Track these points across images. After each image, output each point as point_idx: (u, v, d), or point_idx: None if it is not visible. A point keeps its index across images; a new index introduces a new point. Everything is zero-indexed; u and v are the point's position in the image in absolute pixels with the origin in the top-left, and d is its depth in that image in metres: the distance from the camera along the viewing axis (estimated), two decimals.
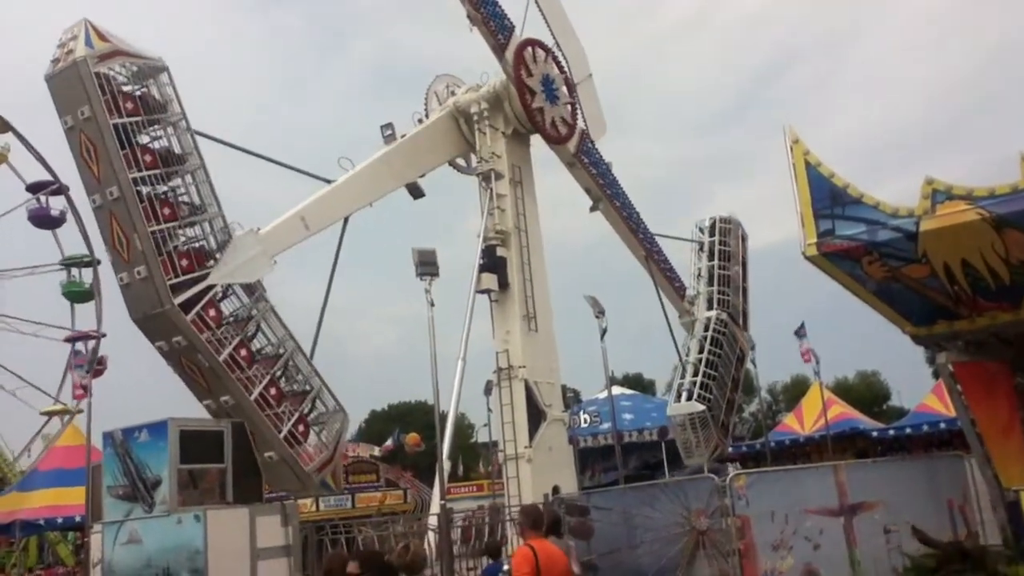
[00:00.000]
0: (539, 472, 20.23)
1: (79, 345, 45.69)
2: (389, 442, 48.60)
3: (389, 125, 20.80)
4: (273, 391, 15.82)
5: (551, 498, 15.18)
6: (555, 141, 23.45)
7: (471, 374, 19.93)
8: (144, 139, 15.53)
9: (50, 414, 47.56)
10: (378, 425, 74.67)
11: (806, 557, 11.80)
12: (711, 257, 28.26)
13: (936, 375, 60.41)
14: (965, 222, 9.85)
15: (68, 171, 49.22)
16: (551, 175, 26.33)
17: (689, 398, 25.02)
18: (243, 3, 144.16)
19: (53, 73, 15.22)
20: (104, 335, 45.61)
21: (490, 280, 21.16)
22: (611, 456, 33.15)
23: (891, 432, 30.81)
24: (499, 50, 21.91)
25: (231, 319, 15.93)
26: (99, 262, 47.76)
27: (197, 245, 15.83)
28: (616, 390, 50.69)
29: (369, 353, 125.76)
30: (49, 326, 47.76)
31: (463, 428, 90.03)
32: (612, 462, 32.59)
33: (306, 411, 16.30)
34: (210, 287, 15.37)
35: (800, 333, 32.21)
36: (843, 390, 55.10)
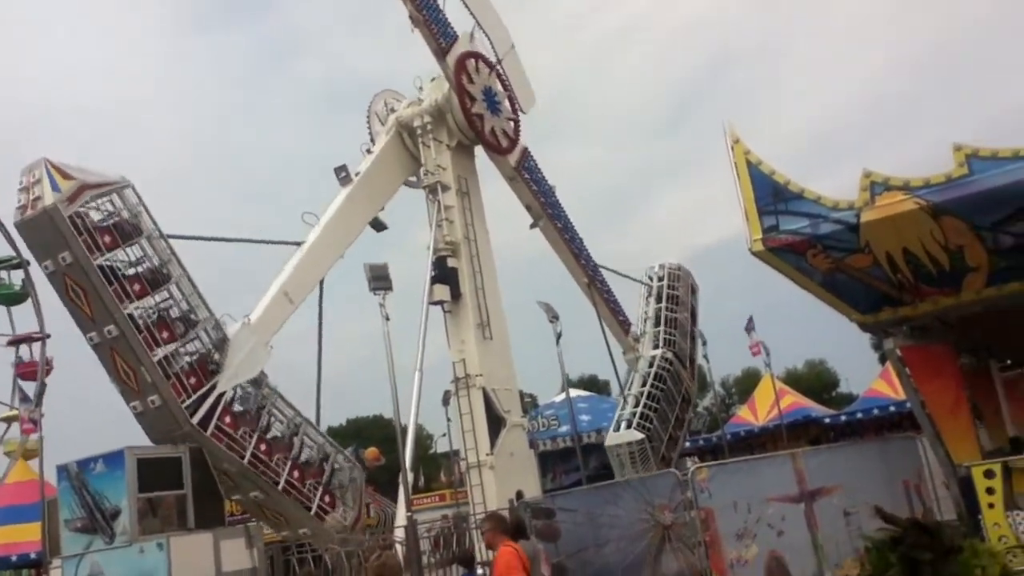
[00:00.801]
0: (502, 478, 20.31)
1: (23, 351, 44.60)
2: (350, 452, 48.05)
3: (343, 167, 20.82)
4: (296, 473, 16.43)
5: (516, 503, 15.23)
6: (496, 150, 23.52)
7: (428, 385, 20.07)
8: (129, 271, 15.64)
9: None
10: (336, 442, 74.01)
11: (770, 544, 12.00)
12: (659, 300, 28.84)
13: (883, 360, 61.76)
14: (904, 212, 10.18)
15: None
16: (495, 185, 26.47)
17: (628, 427, 25.25)
18: (183, 27, 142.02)
19: (24, 220, 15.17)
20: (48, 335, 44.59)
21: (442, 291, 21.21)
22: (571, 458, 33.34)
23: (843, 418, 31.39)
24: (440, 54, 21.95)
25: (245, 417, 16.29)
26: (28, 263, 46.78)
27: (198, 356, 16.05)
28: (573, 393, 51.16)
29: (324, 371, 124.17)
30: None
31: (422, 439, 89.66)
32: (572, 464, 32.77)
33: (327, 480, 17.07)
34: (220, 395, 15.68)
35: (749, 327, 32.71)
36: (793, 380, 56.02)
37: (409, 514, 13.54)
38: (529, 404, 34.61)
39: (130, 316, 14.90)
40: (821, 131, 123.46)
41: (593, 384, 70.61)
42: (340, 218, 20.26)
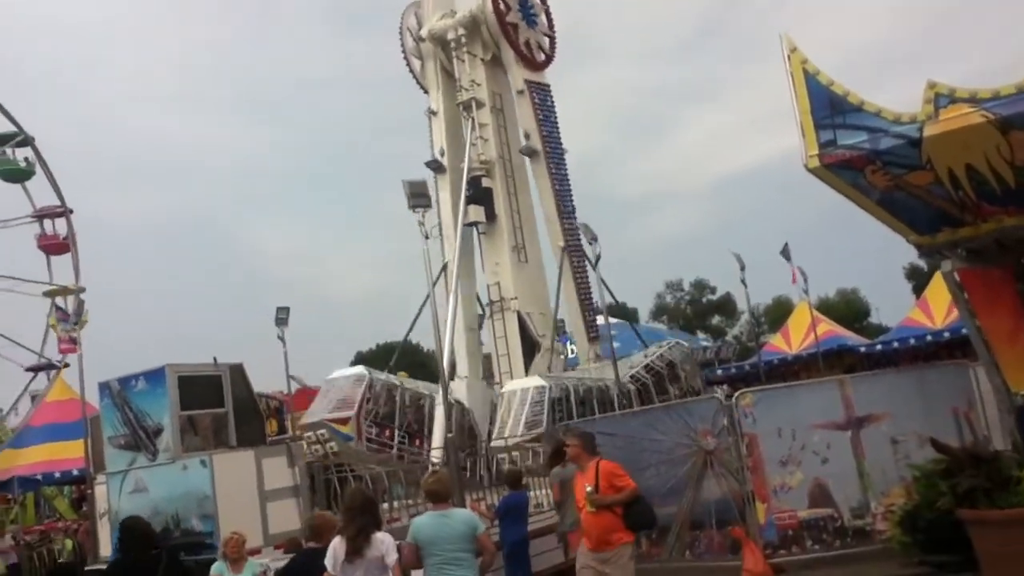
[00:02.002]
0: None
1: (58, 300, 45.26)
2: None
3: (434, 161, 21.04)
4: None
5: (555, 426, 15.19)
6: (528, 62, 22.84)
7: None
8: None
9: (35, 370, 47.17)
10: (368, 367, 74.74)
11: (815, 471, 11.88)
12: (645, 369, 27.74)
13: (917, 291, 61.22)
14: (969, 125, 9.62)
15: (31, 120, 48.34)
16: None
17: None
18: None
19: None
20: (84, 289, 45.07)
21: (477, 212, 20.95)
22: None
23: (878, 347, 31.06)
24: None
25: None
26: (83, 289, 47.14)
27: None
28: (600, 320, 51.08)
29: (348, 294, 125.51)
30: (26, 280, 47.21)
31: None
32: None
33: None
34: None
35: (785, 253, 32.18)
36: (824, 308, 55.48)
37: (449, 435, 13.50)
38: (560, 329, 34.43)
39: None
40: (862, 46, 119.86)
41: (622, 312, 70.65)
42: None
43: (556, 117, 23.46)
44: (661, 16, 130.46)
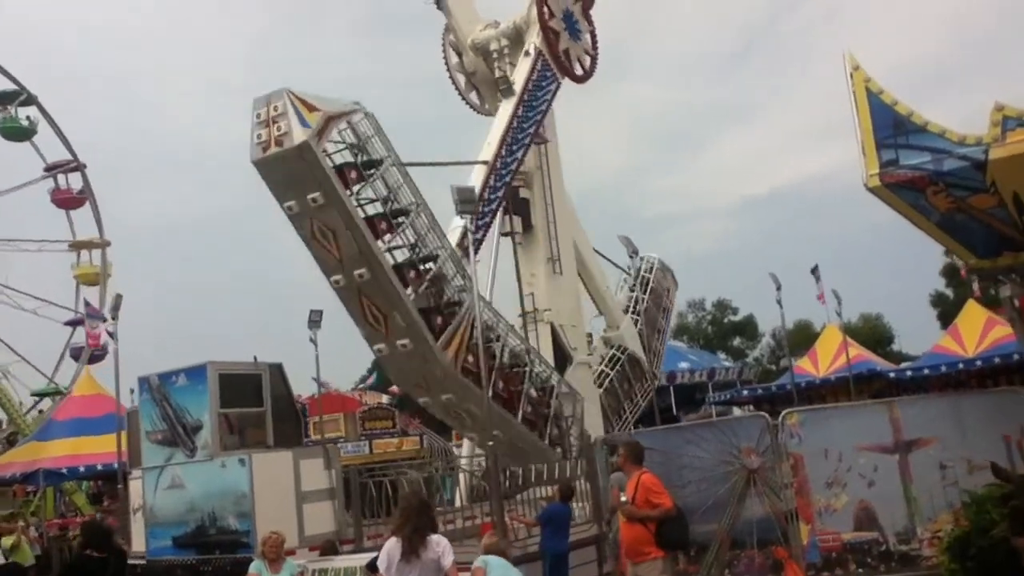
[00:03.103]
0: None
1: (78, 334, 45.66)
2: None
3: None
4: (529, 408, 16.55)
5: (591, 440, 15.07)
6: (570, 76, 22.93)
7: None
8: (369, 207, 15.11)
9: (40, 395, 47.38)
10: (383, 373, 74.79)
11: (860, 494, 11.70)
12: (636, 289, 28.27)
13: (942, 318, 60.67)
14: None
15: (83, 148, 48.66)
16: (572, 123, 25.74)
17: None
18: None
19: (267, 158, 14.02)
20: (109, 243, 45.56)
21: (514, 222, 20.89)
22: None
23: (908, 373, 30.72)
24: None
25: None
26: (108, 243, 47.47)
27: (445, 298, 15.77)
28: None
29: None
30: (52, 304, 47.65)
31: None
32: None
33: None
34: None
35: (816, 274, 31.95)
36: (848, 333, 54.94)
37: (490, 443, 13.40)
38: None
39: (383, 256, 14.62)
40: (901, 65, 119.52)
41: None
42: None
43: (547, 102, 22.17)
44: (697, 38, 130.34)
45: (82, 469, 27.28)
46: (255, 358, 14.22)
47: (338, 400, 38.02)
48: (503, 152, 19.35)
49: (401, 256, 15.34)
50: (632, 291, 28.21)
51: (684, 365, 43.84)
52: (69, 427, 28.31)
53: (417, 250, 15.54)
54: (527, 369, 17.04)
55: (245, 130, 14.12)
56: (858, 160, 10.65)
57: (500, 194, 19.08)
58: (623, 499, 8.58)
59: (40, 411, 46.82)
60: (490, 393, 15.16)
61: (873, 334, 66.51)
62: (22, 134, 47.17)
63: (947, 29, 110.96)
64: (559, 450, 16.92)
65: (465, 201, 13.04)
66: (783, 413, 12.37)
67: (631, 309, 27.51)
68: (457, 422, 17.11)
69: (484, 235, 19.00)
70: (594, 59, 23.56)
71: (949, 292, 62.37)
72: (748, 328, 75.17)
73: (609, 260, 28.08)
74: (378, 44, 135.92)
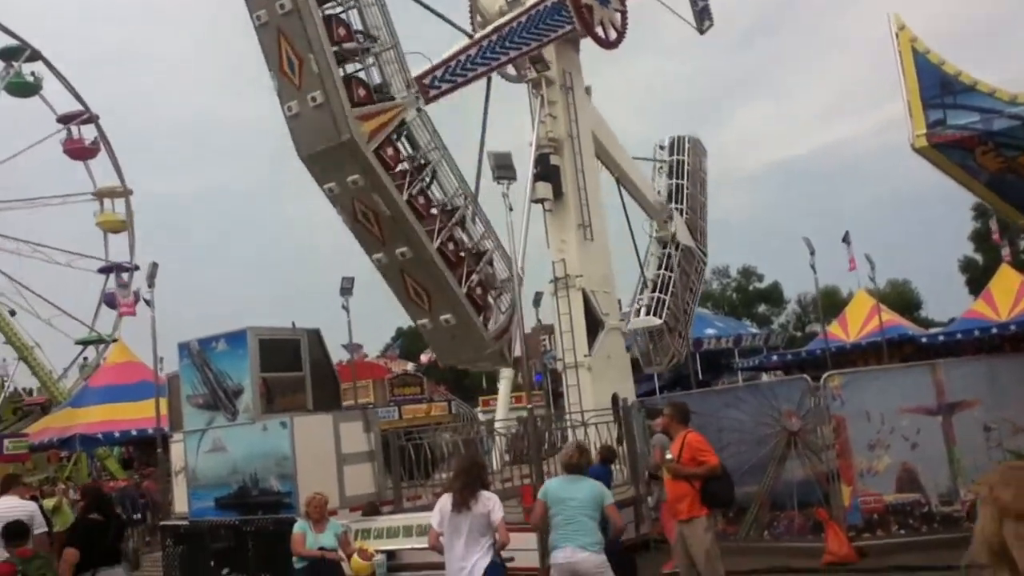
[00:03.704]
0: (599, 380, 20.15)
1: (111, 281, 46.01)
2: (424, 356, 49.16)
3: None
4: (452, 247, 15.75)
5: (622, 403, 15.07)
6: (602, 44, 22.73)
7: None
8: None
9: (85, 343, 47.92)
10: (408, 341, 75.14)
11: (903, 455, 11.67)
12: (671, 176, 28.78)
13: (970, 284, 60.01)
14: None
15: (96, 99, 48.69)
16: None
17: (648, 313, 26.72)
18: None
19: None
20: (138, 267, 45.80)
21: (545, 189, 20.73)
22: (639, 368, 33.23)
23: (940, 338, 30.47)
24: None
25: (407, 161, 15.65)
26: (131, 192, 47.76)
27: (373, 82, 15.39)
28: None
29: None
30: (83, 256, 47.93)
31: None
32: (641, 374, 32.68)
33: (483, 270, 16.61)
34: (398, 122, 15.08)
35: (846, 240, 31.62)
36: (876, 299, 54.59)
37: (529, 406, 13.45)
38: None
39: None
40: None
41: None
42: None
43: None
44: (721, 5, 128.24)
45: (117, 434, 27.73)
46: (293, 324, 14.30)
47: (366, 367, 38.28)
48: (492, 37, 19.38)
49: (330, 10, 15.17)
50: (670, 179, 28.76)
51: (710, 331, 43.58)
52: (103, 394, 28.73)
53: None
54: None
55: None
56: (904, 120, 10.51)
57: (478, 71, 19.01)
58: (668, 457, 8.64)
59: (85, 358, 47.43)
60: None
61: (901, 300, 66.03)
62: (28, 90, 47.21)
63: None
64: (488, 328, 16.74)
65: (501, 166, 12.97)
66: (825, 376, 12.32)
67: (673, 198, 28.31)
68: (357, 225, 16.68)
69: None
70: (623, 13, 23.26)
71: (978, 257, 61.63)
72: (773, 295, 74.76)
73: (643, 159, 28.40)
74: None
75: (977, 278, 57.86)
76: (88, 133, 48.13)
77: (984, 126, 9.99)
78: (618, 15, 23.10)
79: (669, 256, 27.33)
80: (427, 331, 15.99)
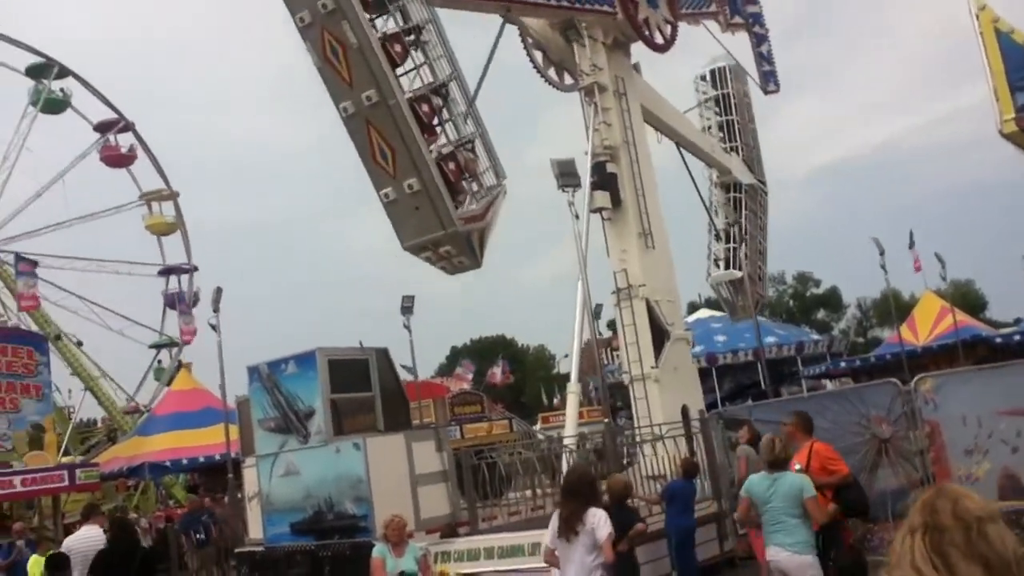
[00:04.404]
0: (667, 392, 19.73)
1: (172, 282, 46.73)
2: (496, 371, 49.32)
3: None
4: (426, 108, 15.21)
5: (706, 414, 14.65)
6: (653, 47, 22.53)
7: (565, 300, 19.54)
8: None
9: (158, 347, 48.60)
10: (458, 361, 75.13)
11: (1004, 460, 11.06)
12: (719, 112, 28.81)
13: None
14: None
15: (130, 106, 49.45)
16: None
17: (728, 266, 27.47)
18: None
19: None
20: (196, 268, 46.38)
21: (603, 198, 20.42)
22: (706, 379, 32.66)
23: (1016, 337, 29.48)
24: None
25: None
26: (178, 193, 48.34)
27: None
28: (705, 313, 50.11)
29: (443, 289, 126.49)
30: (141, 264, 48.69)
31: (544, 359, 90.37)
32: (706, 384, 32.17)
33: (463, 150, 15.84)
34: None
35: (911, 240, 30.84)
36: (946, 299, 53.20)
37: (607, 420, 13.09)
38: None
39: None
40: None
41: (718, 306, 69.36)
42: None
43: None
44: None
45: (184, 461, 27.90)
46: (360, 343, 14.15)
47: (426, 386, 38.18)
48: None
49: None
50: (719, 115, 28.76)
51: (771, 340, 42.80)
52: (169, 421, 28.98)
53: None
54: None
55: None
56: (991, 104, 10.05)
57: None
58: (797, 467, 8.35)
59: (159, 361, 47.95)
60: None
61: (965, 301, 64.29)
62: (60, 106, 48.23)
63: None
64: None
65: (565, 174, 12.69)
66: (915, 379, 11.78)
67: (726, 136, 28.47)
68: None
69: None
70: (674, 27, 23.02)
71: None
72: (832, 300, 73.38)
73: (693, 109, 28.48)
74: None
75: None
76: (124, 141, 48.90)
77: None
78: (668, 27, 22.82)
79: (737, 201, 27.88)
80: (389, 204, 15.00)
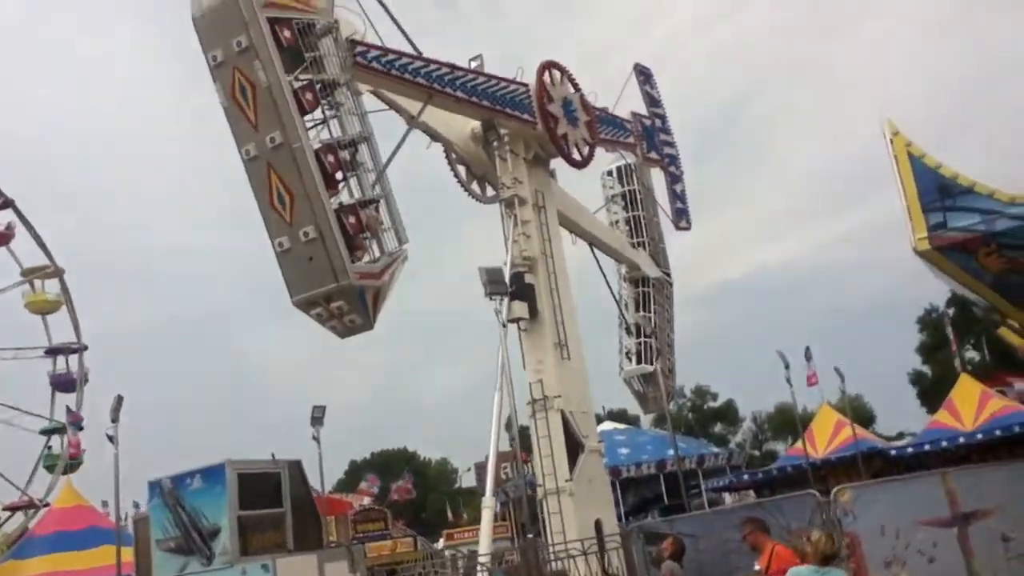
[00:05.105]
0: (581, 505, 19.43)
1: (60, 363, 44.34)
2: (402, 482, 48.09)
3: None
4: (331, 159, 14.94)
5: (620, 530, 14.43)
6: (578, 166, 23.25)
7: (476, 411, 19.35)
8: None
9: (48, 432, 45.81)
10: (359, 475, 73.16)
11: (921, 571, 11.20)
12: (625, 207, 29.56)
13: (921, 396, 60.78)
14: None
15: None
16: None
17: (639, 360, 27.87)
18: None
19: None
20: (86, 347, 44.16)
21: (521, 308, 20.44)
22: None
23: (909, 450, 30.36)
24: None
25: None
26: (63, 271, 46.16)
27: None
28: (609, 425, 50.20)
29: (341, 401, 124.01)
30: (25, 348, 46.20)
31: (447, 473, 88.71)
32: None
33: (368, 210, 15.48)
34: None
35: (807, 355, 31.76)
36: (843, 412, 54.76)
37: (531, 535, 12.74)
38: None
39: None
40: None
41: (623, 418, 69.78)
42: None
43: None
44: None
45: None
46: (272, 455, 13.54)
47: (328, 503, 36.80)
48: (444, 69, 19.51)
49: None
50: (625, 211, 29.42)
51: (672, 453, 43.04)
52: (49, 543, 26.86)
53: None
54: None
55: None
56: (904, 224, 10.58)
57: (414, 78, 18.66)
58: (757, 568, 8.35)
59: (49, 447, 44.97)
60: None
61: (855, 415, 66.34)
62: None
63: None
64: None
65: (493, 282, 12.68)
66: (835, 490, 11.92)
67: (633, 232, 29.21)
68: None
69: None
70: (591, 148, 23.80)
71: (926, 370, 62.75)
72: (729, 413, 74.85)
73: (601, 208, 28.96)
74: None
75: (927, 389, 58.68)
76: (3, 219, 47.05)
77: (987, 227, 10.08)
78: (586, 146, 23.58)
79: (646, 295, 28.49)
80: (282, 253, 14.58)
